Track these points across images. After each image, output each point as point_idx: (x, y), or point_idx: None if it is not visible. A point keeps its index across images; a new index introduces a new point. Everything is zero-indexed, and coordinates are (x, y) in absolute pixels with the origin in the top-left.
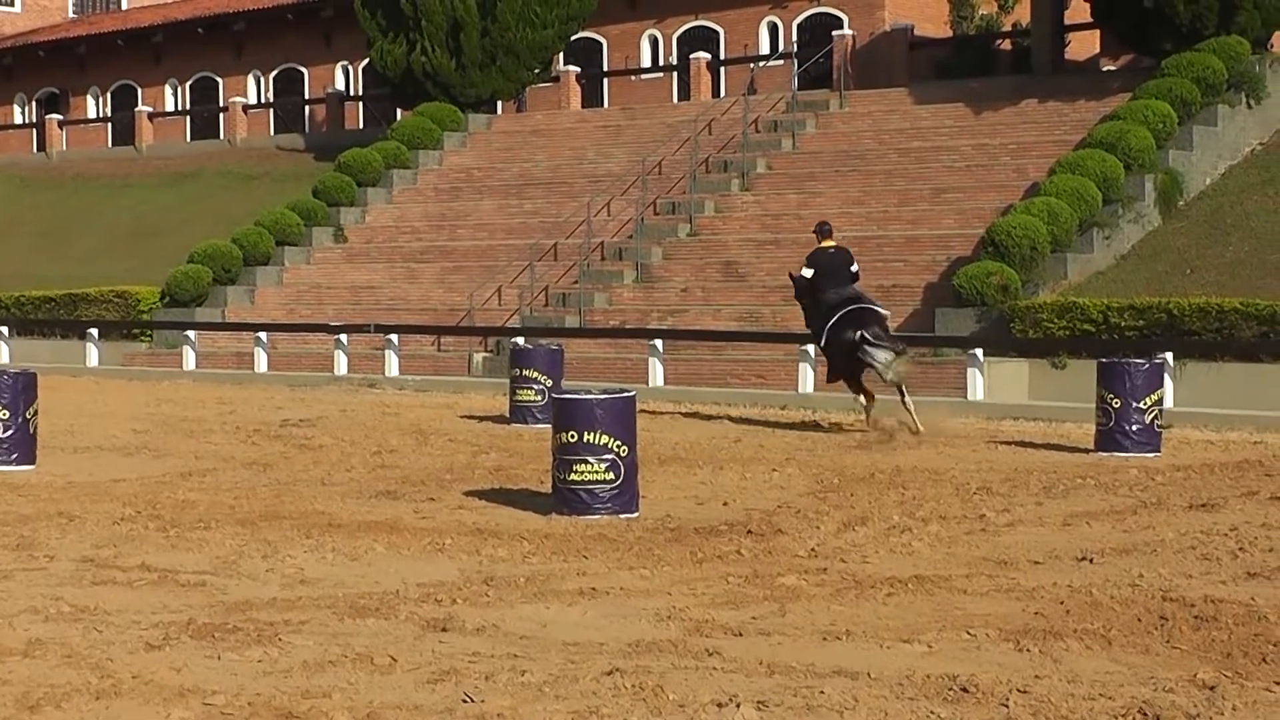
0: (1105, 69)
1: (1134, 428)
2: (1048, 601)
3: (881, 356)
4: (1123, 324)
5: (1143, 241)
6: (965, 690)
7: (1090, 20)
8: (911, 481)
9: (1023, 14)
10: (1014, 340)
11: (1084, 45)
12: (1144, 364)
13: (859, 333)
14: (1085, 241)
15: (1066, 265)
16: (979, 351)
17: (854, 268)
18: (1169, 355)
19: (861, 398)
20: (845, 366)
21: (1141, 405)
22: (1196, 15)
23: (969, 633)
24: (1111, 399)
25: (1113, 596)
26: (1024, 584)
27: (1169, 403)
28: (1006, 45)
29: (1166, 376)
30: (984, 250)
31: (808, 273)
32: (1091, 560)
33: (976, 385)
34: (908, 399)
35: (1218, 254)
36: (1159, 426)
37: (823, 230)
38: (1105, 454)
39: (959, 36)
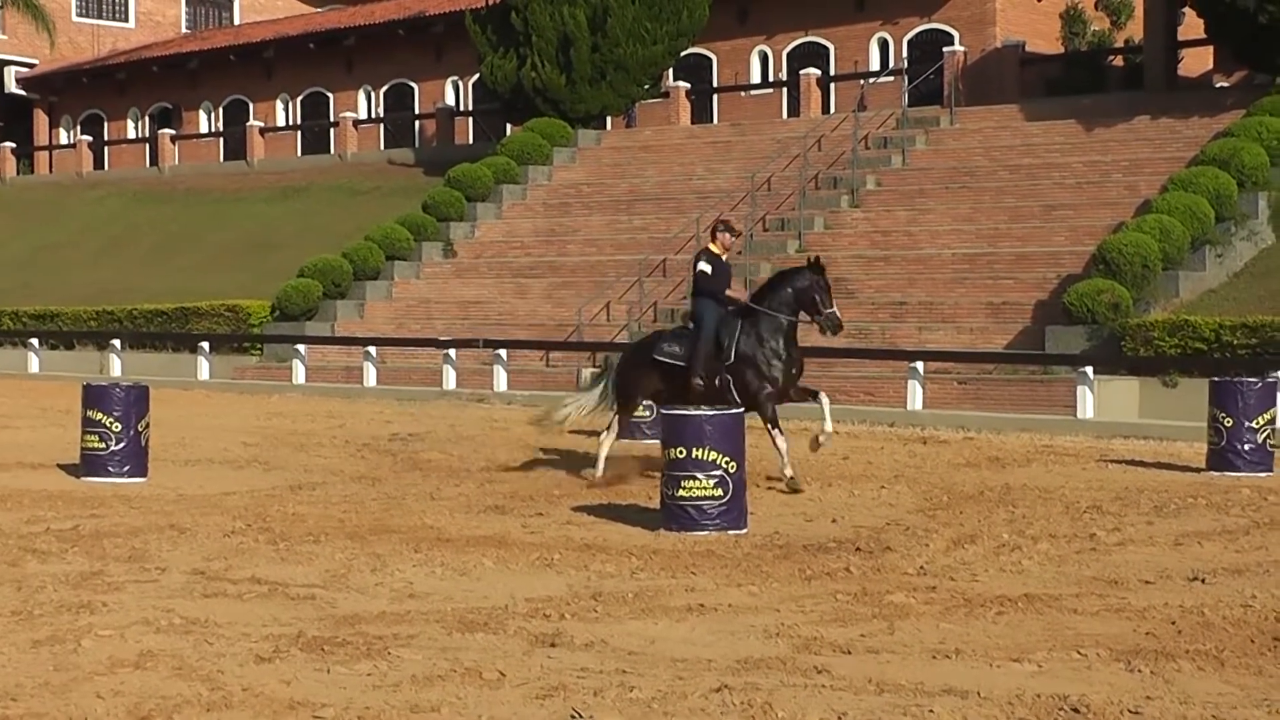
0: (1219, 85)
1: (1246, 447)
2: (1159, 622)
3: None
4: (1235, 342)
5: (1256, 259)
6: (1076, 711)
7: (1204, 36)
8: (1021, 500)
9: (1135, 30)
10: (1125, 358)
11: (1197, 61)
12: (1257, 383)
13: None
14: (1197, 259)
15: (1178, 283)
16: (1089, 370)
17: (699, 265)
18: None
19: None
20: None
21: (1254, 424)
22: None
23: (1079, 652)
24: (1224, 418)
25: (1225, 617)
26: (1135, 604)
27: None
28: (1118, 61)
29: (1279, 396)
30: (1095, 268)
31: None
32: (1203, 580)
33: (1087, 403)
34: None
35: None
36: (1272, 446)
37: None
38: (1217, 473)
39: (1070, 53)
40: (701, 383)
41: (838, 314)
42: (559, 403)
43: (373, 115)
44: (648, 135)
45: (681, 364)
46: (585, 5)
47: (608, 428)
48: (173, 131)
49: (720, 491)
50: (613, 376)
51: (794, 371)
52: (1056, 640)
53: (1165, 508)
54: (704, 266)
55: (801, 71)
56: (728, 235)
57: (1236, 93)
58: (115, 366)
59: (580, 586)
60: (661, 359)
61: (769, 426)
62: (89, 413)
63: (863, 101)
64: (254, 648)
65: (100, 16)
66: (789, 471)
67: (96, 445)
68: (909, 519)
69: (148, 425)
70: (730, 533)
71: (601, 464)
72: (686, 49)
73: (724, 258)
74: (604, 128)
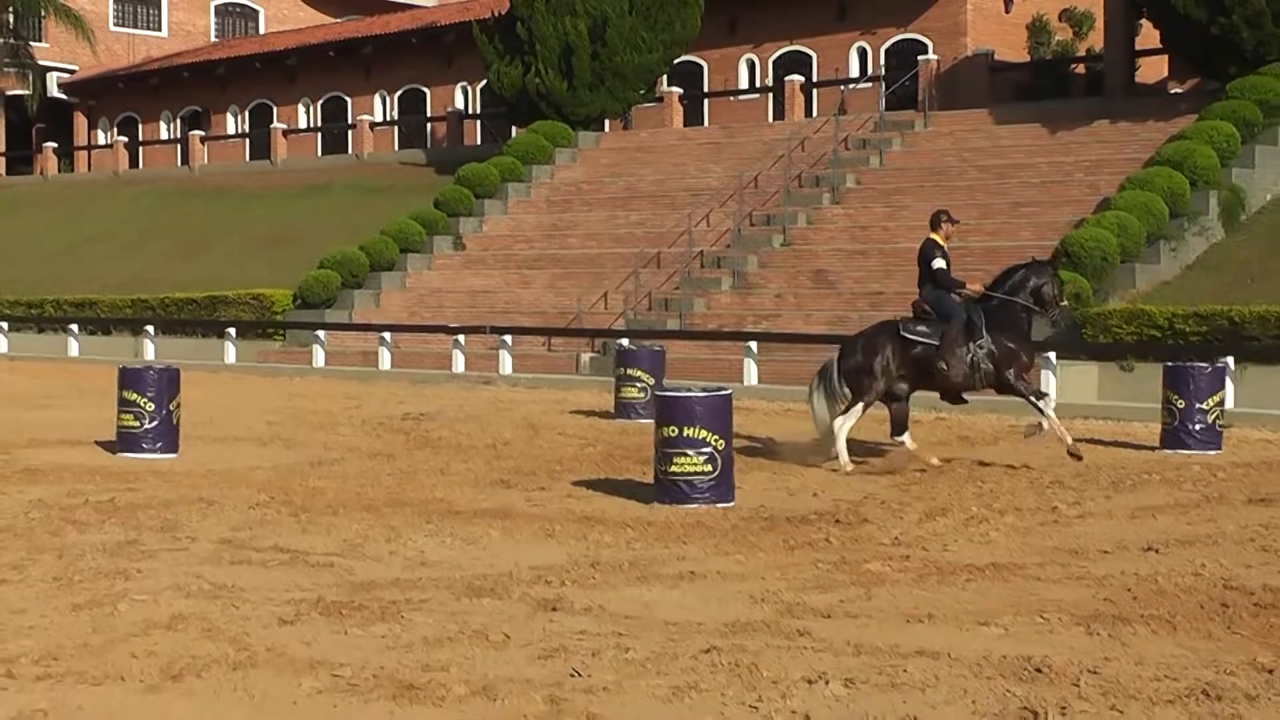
0: (1173, 92)
1: (1197, 427)
2: (1116, 589)
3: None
4: (1187, 330)
5: (1207, 253)
6: (1039, 671)
7: (1160, 46)
8: (989, 475)
9: (1096, 40)
10: (1085, 345)
11: (1154, 70)
12: (1207, 367)
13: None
14: (1153, 253)
15: (1135, 275)
16: (1052, 355)
17: (938, 263)
18: (1230, 360)
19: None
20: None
21: (1204, 406)
22: (1260, 41)
23: (1042, 617)
24: (1176, 400)
25: (1177, 584)
26: (1094, 572)
27: (1230, 404)
28: (1081, 69)
29: (1228, 379)
30: (1059, 261)
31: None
32: (1157, 550)
33: (1050, 386)
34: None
35: (1278, 265)
36: (1220, 426)
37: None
38: (1170, 451)
39: (1036, 61)
40: (947, 366)
41: (1068, 308)
42: (826, 424)
43: (388, 118)
44: (643, 137)
45: (933, 343)
46: (586, 16)
47: (844, 413)
48: (202, 133)
49: (710, 467)
50: (843, 368)
51: (1034, 357)
52: (1021, 606)
53: (1122, 483)
54: (940, 262)
55: (786, 78)
56: (949, 224)
57: (1190, 99)
58: (149, 350)
59: (580, 555)
60: (911, 337)
61: (1033, 400)
62: (124, 393)
63: (843, 106)
64: (277, 611)
65: (135, 26)
66: (1069, 439)
67: (131, 423)
68: (885, 493)
69: (179, 405)
70: (719, 506)
71: (844, 452)
72: (680, 57)
73: (945, 246)
74: (603, 130)
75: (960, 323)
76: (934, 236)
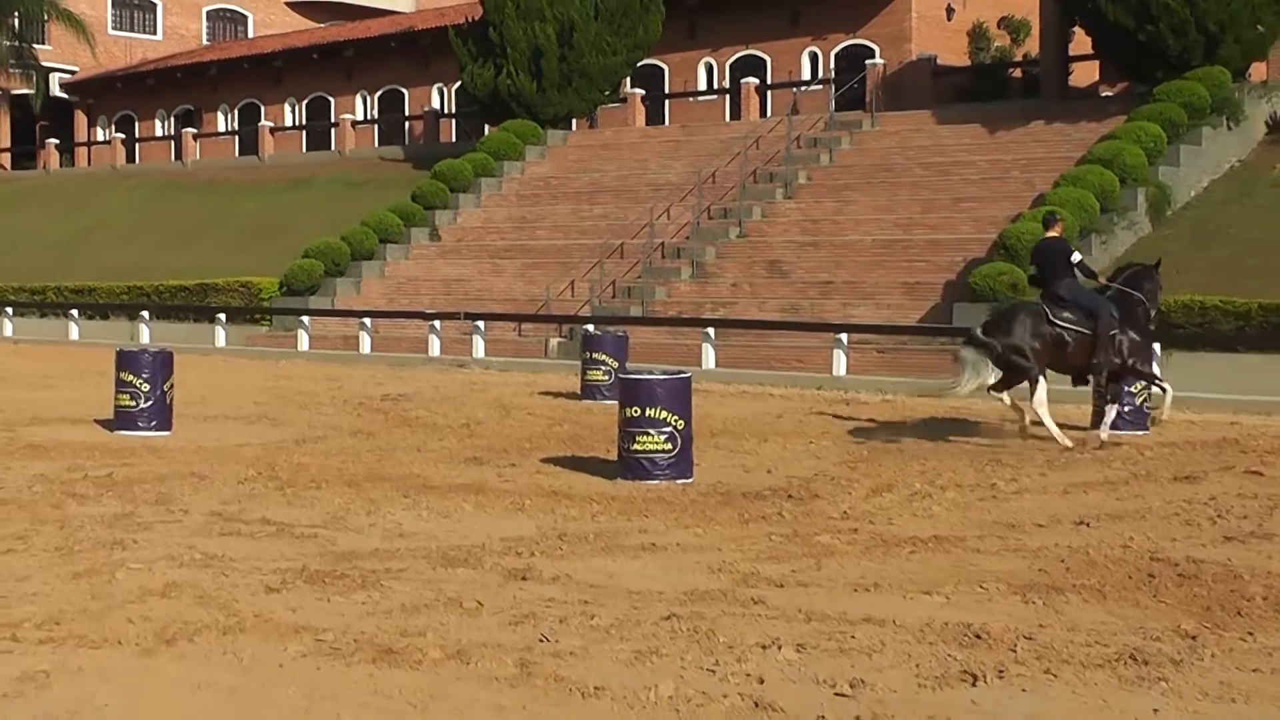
0: (1104, 95)
1: (1126, 409)
2: (1050, 560)
3: (967, 354)
4: None
5: (1135, 246)
6: (978, 637)
7: (1092, 52)
8: (932, 454)
9: (1032, 46)
10: None
11: (1086, 74)
12: None
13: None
14: (1085, 246)
15: None
16: None
17: (1077, 258)
18: (1157, 345)
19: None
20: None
21: (1133, 390)
22: (1185, 48)
23: (981, 586)
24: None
25: (1107, 556)
26: (1029, 545)
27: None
28: (1018, 73)
29: (1155, 364)
30: (996, 252)
31: (1033, 269)
32: (1088, 524)
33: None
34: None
35: (1201, 257)
36: (1148, 408)
37: (1047, 220)
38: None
39: (976, 65)
40: (1104, 354)
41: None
42: (964, 381)
43: (368, 117)
44: (608, 135)
45: (1085, 331)
46: (554, 21)
47: (1007, 389)
48: (194, 130)
49: (670, 446)
50: (1007, 342)
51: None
52: (962, 576)
53: (1056, 461)
54: (1077, 255)
55: (742, 80)
56: (1060, 224)
57: (1119, 101)
58: (144, 334)
59: (548, 528)
60: (1061, 324)
61: (1157, 380)
62: (121, 374)
63: (795, 107)
64: (264, 579)
65: (132, 30)
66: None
67: (128, 403)
68: (834, 470)
69: (172, 386)
70: (678, 482)
71: (1057, 430)
72: (642, 60)
73: None
74: (570, 128)
75: (1110, 315)
76: (1054, 234)
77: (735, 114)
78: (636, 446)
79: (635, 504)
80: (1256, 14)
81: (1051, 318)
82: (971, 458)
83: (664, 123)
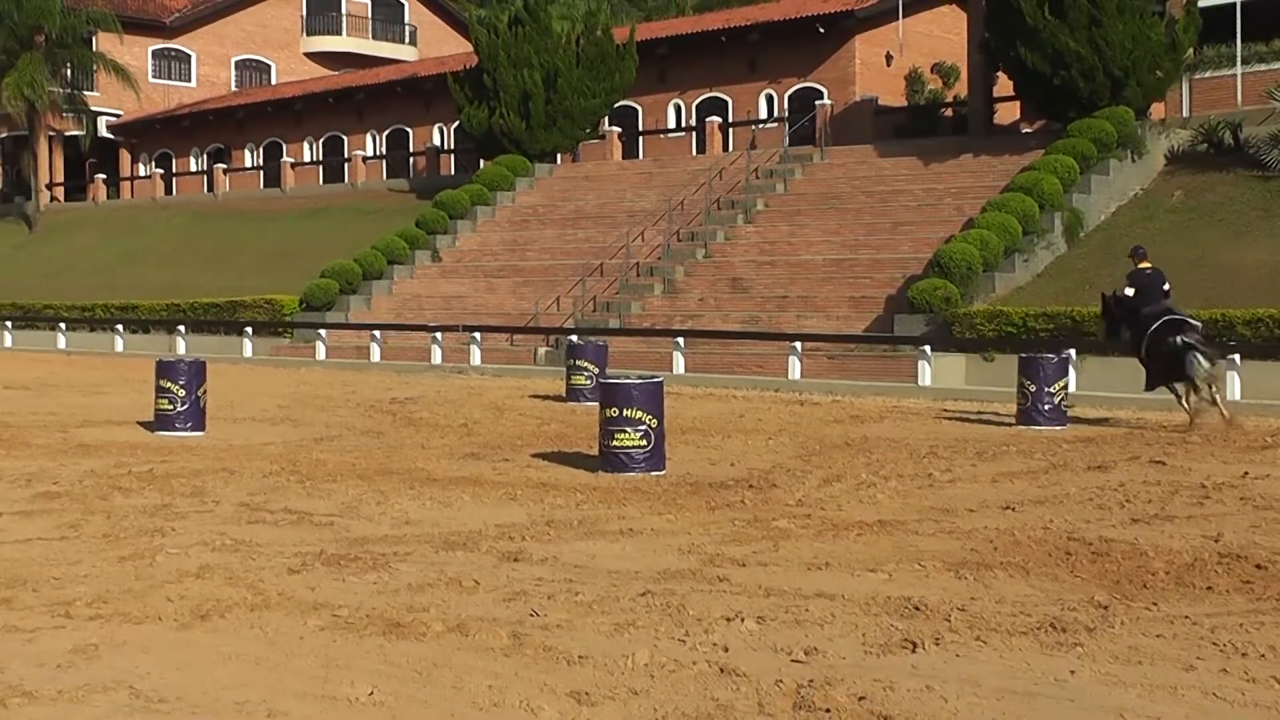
0: (1024, 131)
1: (1046, 407)
2: (980, 541)
3: (1204, 364)
4: (1038, 327)
5: (1053, 264)
6: (917, 608)
7: (1013, 94)
8: (876, 448)
9: (961, 88)
10: (954, 339)
11: (1008, 113)
12: (1054, 358)
13: (1180, 338)
14: (1009, 264)
15: (995, 282)
16: (927, 348)
17: (1166, 286)
18: (1073, 351)
19: (1187, 400)
20: (1165, 372)
21: (1052, 390)
22: (1094, 90)
23: (920, 564)
24: (1029, 385)
25: (1030, 537)
26: (962, 527)
27: (1072, 388)
28: (949, 113)
29: (1070, 368)
30: (932, 270)
31: (1129, 291)
32: (1014, 509)
33: (925, 374)
34: (1218, 395)
35: (1110, 273)
36: (1065, 406)
37: (1138, 253)
38: (1024, 427)
39: (912, 106)
40: (1216, 372)
41: None
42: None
43: (377, 153)
44: (589, 168)
45: (1212, 352)
46: (540, 68)
47: (1193, 391)
48: (224, 166)
49: (645, 442)
50: (1197, 355)
51: None
52: (903, 555)
53: (985, 453)
54: (1165, 284)
55: (707, 119)
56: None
57: (1038, 137)
58: (180, 346)
59: (537, 515)
60: (1190, 342)
61: (1218, 400)
62: (161, 382)
63: (754, 142)
64: (286, 562)
65: (170, 78)
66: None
67: (167, 407)
68: (790, 463)
69: (205, 392)
70: (653, 474)
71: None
72: (619, 102)
73: None
74: (555, 162)
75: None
76: (1147, 265)
77: (701, 149)
78: (615, 443)
79: (614, 494)
80: (1156, 61)
81: (1188, 338)
82: (911, 451)
83: (638, 156)
